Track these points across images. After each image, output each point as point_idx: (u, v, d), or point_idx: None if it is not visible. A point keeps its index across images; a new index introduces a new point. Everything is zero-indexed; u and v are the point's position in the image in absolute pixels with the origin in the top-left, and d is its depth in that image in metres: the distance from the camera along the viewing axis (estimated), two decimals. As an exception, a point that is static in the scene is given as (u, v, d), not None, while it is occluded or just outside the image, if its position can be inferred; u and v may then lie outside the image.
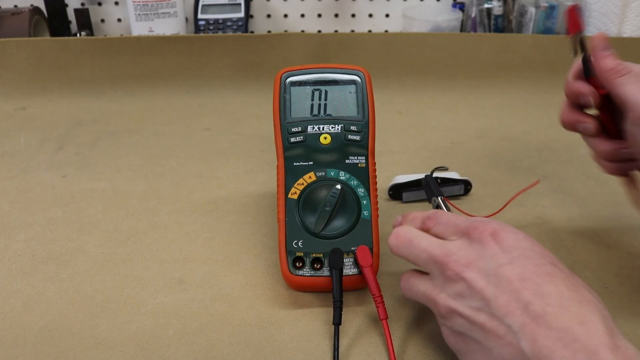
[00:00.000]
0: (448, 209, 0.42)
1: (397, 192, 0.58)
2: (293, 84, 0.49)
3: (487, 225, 0.36)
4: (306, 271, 0.44)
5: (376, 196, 0.47)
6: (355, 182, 0.47)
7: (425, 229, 0.40)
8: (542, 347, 0.29)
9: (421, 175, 0.57)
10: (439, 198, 0.44)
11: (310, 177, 0.47)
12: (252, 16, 1.08)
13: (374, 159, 0.48)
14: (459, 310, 0.35)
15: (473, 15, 1.03)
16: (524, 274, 0.33)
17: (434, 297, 0.37)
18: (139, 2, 0.93)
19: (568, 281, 0.33)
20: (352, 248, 0.44)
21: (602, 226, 0.53)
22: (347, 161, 0.47)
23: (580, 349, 0.29)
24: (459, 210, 0.55)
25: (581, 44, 0.43)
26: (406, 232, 0.39)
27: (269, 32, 1.11)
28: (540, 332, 0.30)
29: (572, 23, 0.42)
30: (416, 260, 0.39)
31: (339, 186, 0.46)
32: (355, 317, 0.43)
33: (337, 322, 0.40)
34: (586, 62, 0.43)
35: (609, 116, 0.44)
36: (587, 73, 0.42)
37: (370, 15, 1.11)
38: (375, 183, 0.47)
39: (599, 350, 0.28)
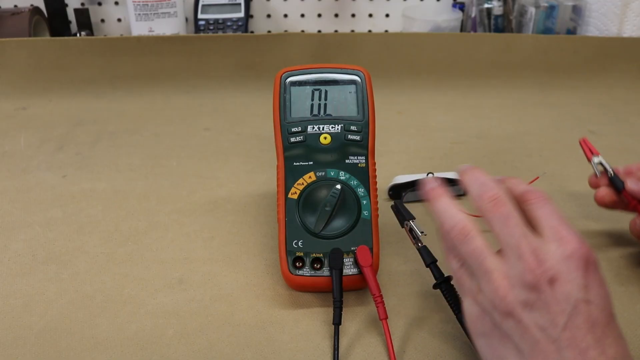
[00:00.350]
0: (421, 233, 0.43)
1: (397, 192, 0.58)
2: (293, 83, 0.49)
3: (584, 247, 0.35)
4: (306, 271, 0.44)
5: (376, 196, 0.47)
6: (355, 182, 0.47)
7: (524, 201, 0.37)
8: None
9: (421, 176, 0.57)
10: (411, 221, 0.44)
11: (310, 177, 0.47)
12: (252, 16, 1.08)
13: (374, 159, 0.48)
14: (522, 319, 0.34)
15: (473, 15, 1.03)
16: (597, 319, 0.33)
17: (501, 288, 0.34)
18: (139, 2, 0.93)
19: (623, 342, 0.34)
20: (352, 248, 0.44)
21: (602, 226, 0.53)
22: (347, 161, 0.47)
23: None
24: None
25: (602, 165, 0.50)
26: (505, 203, 0.37)
27: (269, 32, 1.11)
28: None
29: (587, 151, 0.48)
30: (500, 238, 0.36)
31: (339, 186, 0.46)
32: (355, 317, 0.43)
33: (337, 322, 0.40)
34: (613, 180, 0.50)
35: None
36: (618, 189, 0.48)
37: (370, 15, 1.11)
38: (375, 183, 0.47)
39: None
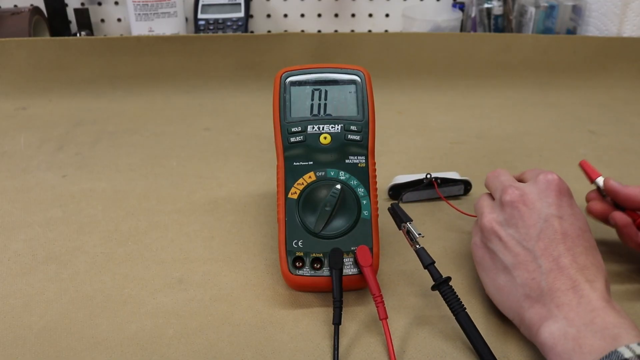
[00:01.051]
0: (418, 234, 0.44)
1: (397, 192, 0.58)
2: (293, 83, 0.49)
3: (557, 177, 0.42)
4: (306, 271, 0.44)
5: (376, 196, 0.47)
6: (355, 182, 0.47)
7: (521, 178, 0.48)
8: (556, 289, 0.37)
9: (421, 176, 0.57)
10: (408, 224, 0.44)
11: (310, 177, 0.47)
12: (252, 16, 1.08)
13: (373, 158, 0.48)
14: (501, 234, 0.41)
15: (473, 15, 1.03)
16: (568, 231, 0.40)
17: (484, 212, 0.43)
18: (139, 2, 0.93)
19: (595, 252, 0.40)
20: (352, 248, 0.44)
21: (602, 226, 0.53)
22: (347, 161, 0.47)
23: (583, 296, 0.36)
24: (458, 210, 0.55)
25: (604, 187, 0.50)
26: (500, 170, 0.47)
27: (269, 32, 1.11)
28: (559, 278, 0.38)
29: (589, 173, 0.50)
30: (491, 186, 0.47)
31: (338, 186, 0.46)
32: (355, 317, 0.43)
33: (337, 322, 0.40)
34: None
35: None
36: (621, 208, 0.48)
37: (370, 15, 1.11)
38: (375, 183, 0.47)
39: (593, 300, 0.36)
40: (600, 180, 0.49)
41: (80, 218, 0.56)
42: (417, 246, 0.44)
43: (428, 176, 0.57)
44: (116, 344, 0.41)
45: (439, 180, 0.57)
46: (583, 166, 0.51)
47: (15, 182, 0.63)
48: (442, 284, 0.42)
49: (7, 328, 0.42)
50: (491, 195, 0.46)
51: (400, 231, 0.46)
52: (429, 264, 0.43)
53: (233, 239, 0.53)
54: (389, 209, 0.47)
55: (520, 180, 0.46)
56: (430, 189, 0.57)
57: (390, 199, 0.59)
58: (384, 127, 0.74)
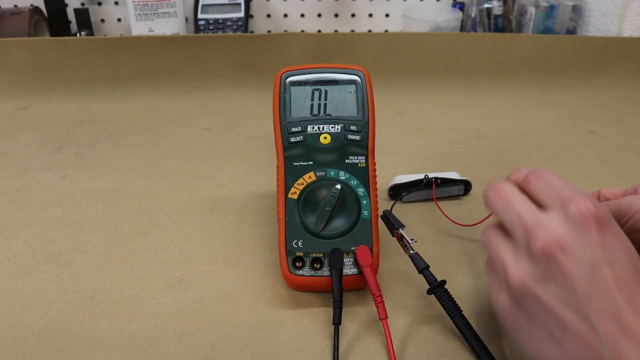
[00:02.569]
0: (411, 240, 0.44)
1: (397, 192, 0.58)
2: (293, 83, 0.49)
3: (591, 205, 0.32)
4: (306, 271, 0.44)
5: (376, 196, 0.47)
6: (355, 182, 0.47)
7: (526, 182, 0.37)
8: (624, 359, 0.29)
9: (421, 176, 0.57)
10: (401, 230, 0.44)
11: (310, 177, 0.47)
12: (252, 16, 1.08)
13: (373, 158, 0.48)
14: (539, 294, 0.32)
15: (473, 15, 1.03)
16: (624, 278, 0.30)
17: (507, 262, 0.33)
18: (139, 2, 0.93)
19: None
20: (352, 248, 0.44)
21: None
22: (347, 161, 0.47)
23: None
24: (449, 218, 0.55)
25: None
26: (506, 189, 0.36)
27: (269, 32, 1.11)
28: (628, 346, 0.29)
29: None
30: (504, 219, 0.35)
31: (338, 186, 0.46)
32: (355, 317, 0.43)
33: (337, 322, 0.40)
34: None
35: None
36: None
37: (370, 15, 1.11)
38: (375, 183, 0.47)
39: None
40: None
41: (80, 218, 0.56)
42: (411, 251, 0.44)
43: (426, 176, 0.57)
44: (116, 344, 0.41)
45: (438, 181, 0.57)
46: None
47: (15, 182, 0.63)
48: (436, 288, 0.42)
49: (7, 328, 0.42)
50: (501, 226, 0.37)
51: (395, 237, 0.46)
52: (423, 268, 0.43)
53: (233, 239, 0.53)
54: (381, 216, 0.47)
55: (530, 194, 0.36)
56: (430, 189, 0.57)
57: (391, 199, 0.59)
58: (384, 127, 0.74)
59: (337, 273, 0.43)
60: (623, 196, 0.43)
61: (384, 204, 0.58)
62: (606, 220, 0.32)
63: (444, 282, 0.42)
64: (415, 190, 0.57)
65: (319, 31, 1.11)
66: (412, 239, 0.44)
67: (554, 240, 0.31)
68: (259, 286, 0.47)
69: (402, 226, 0.45)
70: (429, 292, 0.42)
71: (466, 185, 0.59)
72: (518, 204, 0.34)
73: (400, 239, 0.45)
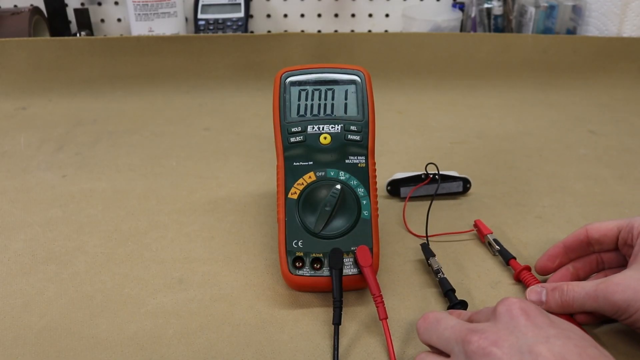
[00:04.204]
0: (437, 268, 0.47)
1: (396, 187, 0.58)
2: (293, 83, 0.49)
3: (515, 300, 0.34)
4: (306, 271, 0.44)
5: (376, 196, 0.47)
6: (355, 182, 0.47)
7: (469, 321, 0.37)
8: None
9: (420, 172, 0.58)
10: (430, 259, 0.49)
11: (310, 177, 0.47)
12: (252, 16, 1.08)
13: (373, 158, 0.48)
14: None
15: (473, 15, 1.03)
16: (565, 354, 0.30)
17: None
18: (139, 2, 0.93)
19: (604, 352, 0.31)
20: (352, 248, 0.44)
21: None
22: (347, 161, 0.47)
23: None
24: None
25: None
26: (435, 314, 0.37)
27: (269, 32, 1.11)
28: None
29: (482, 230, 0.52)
30: (439, 340, 0.35)
31: (338, 186, 0.46)
32: (355, 317, 0.43)
33: (337, 322, 0.40)
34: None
35: None
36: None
37: (370, 15, 1.11)
38: (375, 183, 0.47)
39: None
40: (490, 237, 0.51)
41: (80, 218, 0.56)
42: (441, 275, 0.46)
43: (424, 175, 0.57)
44: (116, 344, 0.41)
45: (437, 177, 0.57)
46: (477, 225, 0.52)
47: (15, 182, 0.63)
48: (455, 306, 0.44)
49: (7, 328, 0.42)
50: (436, 352, 0.36)
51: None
52: (447, 290, 0.45)
53: (233, 239, 0.53)
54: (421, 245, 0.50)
55: (472, 321, 0.37)
56: (428, 185, 0.58)
57: (389, 196, 0.59)
58: (384, 127, 0.74)
59: (337, 273, 0.43)
60: (616, 232, 0.43)
61: (383, 202, 0.58)
62: (533, 309, 0.33)
63: (465, 302, 0.44)
64: (413, 185, 0.58)
65: (319, 31, 1.11)
66: (438, 267, 0.47)
67: (487, 340, 0.32)
68: (259, 286, 0.47)
69: (433, 255, 0.48)
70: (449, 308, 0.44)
71: (465, 183, 0.59)
72: (450, 321, 0.35)
73: (429, 265, 0.48)
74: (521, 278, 0.46)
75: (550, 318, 0.33)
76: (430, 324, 0.36)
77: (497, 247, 0.50)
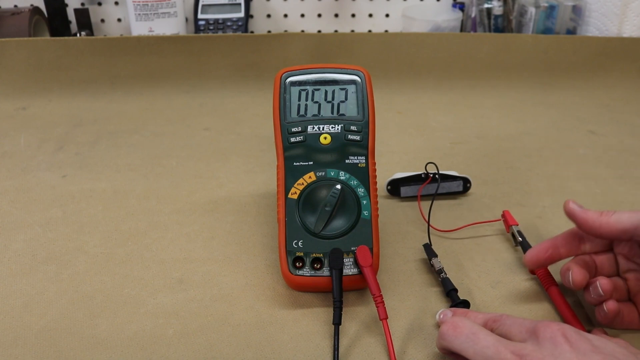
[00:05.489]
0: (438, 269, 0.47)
1: (396, 187, 0.58)
2: (293, 84, 0.49)
3: (557, 325, 0.35)
4: (306, 271, 0.44)
5: (376, 196, 0.47)
6: (355, 182, 0.47)
7: (488, 330, 0.37)
8: None
9: (420, 172, 0.58)
10: (432, 259, 0.49)
11: (310, 177, 0.47)
12: (252, 16, 1.08)
13: (374, 159, 0.48)
14: None
15: (473, 15, 1.03)
16: None
17: None
18: (139, 2, 0.93)
19: None
20: (352, 248, 0.44)
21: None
22: (347, 161, 0.47)
23: None
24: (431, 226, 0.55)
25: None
26: (468, 325, 0.36)
27: (269, 32, 1.11)
28: None
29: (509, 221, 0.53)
30: (477, 356, 0.35)
31: (339, 186, 0.46)
32: (355, 317, 0.43)
33: (337, 322, 0.40)
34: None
35: None
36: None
37: (370, 15, 1.11)
38: (375, 183, 0.47)
39: None
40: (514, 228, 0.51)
41: (80, 218, 0.56)
42: (443, 275, 0.47)
43: (424, 175, 0.57)
44: (116, 344, 0.41)
45: (437, 176, 0.57)
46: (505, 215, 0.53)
47: (15, 182, 0.63)
48: (457, 305, 0.44)
49: (7, 328, 0.42)
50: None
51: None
52: (450, 289, 0.45)
53: (233, 239, 0.53)
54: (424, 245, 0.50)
55: (494, 330, 0.37)
56: (429, 184, 0.58)
57: (389, 195, 0.59)
58: (384, 127, 0.74)
59: (337, 273, 0.43)
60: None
61: (383, 202, 0.58)
62: (573, 333, 0.34)
63: (467, 302, 0.44)
64: (413, 184, 0.58)
65: (319, 31, 1.11)
66: (440, 267, 0.47)
67: None
68: (259, 286, 0.47)
69: (435, 255, 0.49)
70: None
71: (465, 183, 0.59)
72: (490, 337, 0.35)
73: (432, 265, 0.48)
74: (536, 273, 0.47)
75: (593, 342, 0.34)
76: (464, 336, 0.36)
77: (519, 238, 0.50)
